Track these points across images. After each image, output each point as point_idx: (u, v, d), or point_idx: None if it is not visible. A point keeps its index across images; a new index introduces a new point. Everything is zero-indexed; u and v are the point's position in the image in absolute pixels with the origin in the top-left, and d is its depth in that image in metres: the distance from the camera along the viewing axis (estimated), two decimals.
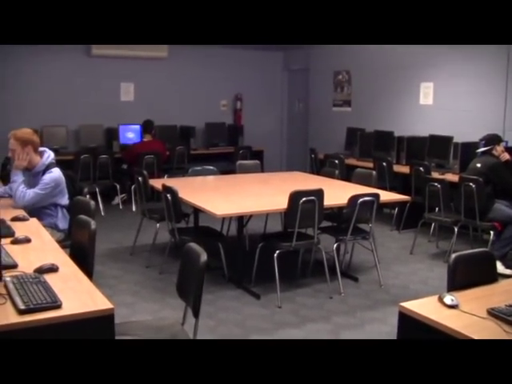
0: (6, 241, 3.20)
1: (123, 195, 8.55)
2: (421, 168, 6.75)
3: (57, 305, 2.29)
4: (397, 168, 7.42)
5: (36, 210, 4.27)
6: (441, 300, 2.47)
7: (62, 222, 4.45)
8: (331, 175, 6.44)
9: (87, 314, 2.29)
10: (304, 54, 10.38)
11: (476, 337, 2.11)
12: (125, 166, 8.61)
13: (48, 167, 4.38)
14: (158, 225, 5.68)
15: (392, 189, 6.69)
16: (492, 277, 2.80)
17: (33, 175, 4.38)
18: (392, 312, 4.27)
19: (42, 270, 2.72)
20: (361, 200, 4.89)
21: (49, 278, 2.62)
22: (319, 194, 4.73)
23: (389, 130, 8.06)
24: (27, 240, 3.32)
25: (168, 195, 5.06)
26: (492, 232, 5.66)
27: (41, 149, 4.45)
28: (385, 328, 4.27)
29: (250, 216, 5.70)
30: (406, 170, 7.19)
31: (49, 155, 4.44)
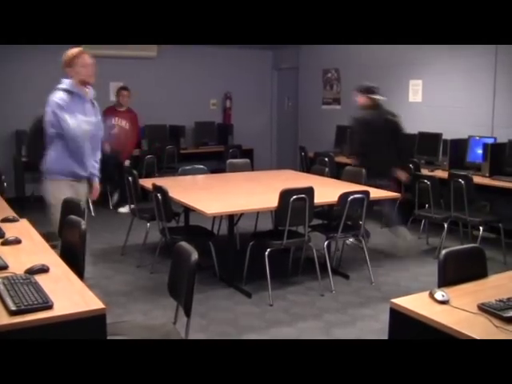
0: None
1: (116, 195, 8.34)
2: (410, 165, 6.77)
3: (48, 305, 2.28)
4: None
5: None
6: (432, 296, 2.49)
7: None
8: (321, 173, 6.46)
9: (79, 314, 2.29)
10: (293, 53, 10.38)
11: (467, 332, 2.13)
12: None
13: None
14: (148, 224, 5.67)
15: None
16: (482, 272, 2.82)
17: None
18: (383, 309, 4.29)
19: (32, 271, 2.71)
20: (351, 197, 4.90)
21: (40, 278, 2.61)
22: (309, 191, 4.74)
23: None
24: (17, 241, 3.30)
25: (158, 195, 5.05)
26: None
27: None
28: (376, 325, 4.29)
29: (241, 214, 5.70)
30: None
31: None
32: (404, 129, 6.11)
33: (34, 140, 4.47)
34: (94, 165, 4.53)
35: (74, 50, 4.33)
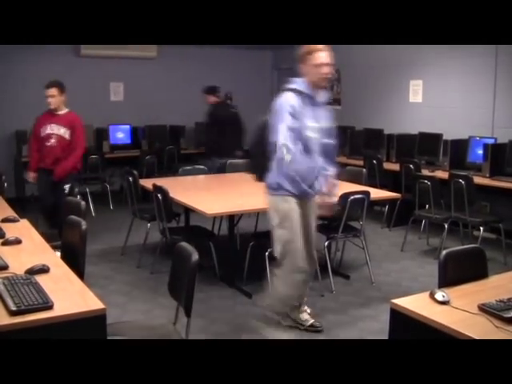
0: None
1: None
2: (411, 165, 6.78)
3: (48, 306, 2.29)
4: (387, 165, 7.45)
5: None
6: (432, 296, 2.48)
7: None
8: None
9: (79, 314, 2.29)
10: (293, 53, 10.36)
11: (467, 332, 2.12)
12: (29, 178, 6.00)
13: None
14: (148, 225, 5.67)
15: (382, 186, 6.71)
16: (482, 272, 2.82)
17: None
18: (383, 309, 4.27)
19: (33, 271, 2.71)
20: (351, 198, 4.90)
21: (40, 278, 2.61)
22: None
23: (378, 127, 8.08)
24: (18, 241, 3.30)
25: (159, 195, 5.05)
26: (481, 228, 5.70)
27: None
28: (376, 325, 4.28)
29: (241, 215, 5.70)
30: (396, 167, 7.21)
31: None
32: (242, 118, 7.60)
33: (257, 149, 3.94)
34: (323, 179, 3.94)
35: (310, 45, 3.79)
